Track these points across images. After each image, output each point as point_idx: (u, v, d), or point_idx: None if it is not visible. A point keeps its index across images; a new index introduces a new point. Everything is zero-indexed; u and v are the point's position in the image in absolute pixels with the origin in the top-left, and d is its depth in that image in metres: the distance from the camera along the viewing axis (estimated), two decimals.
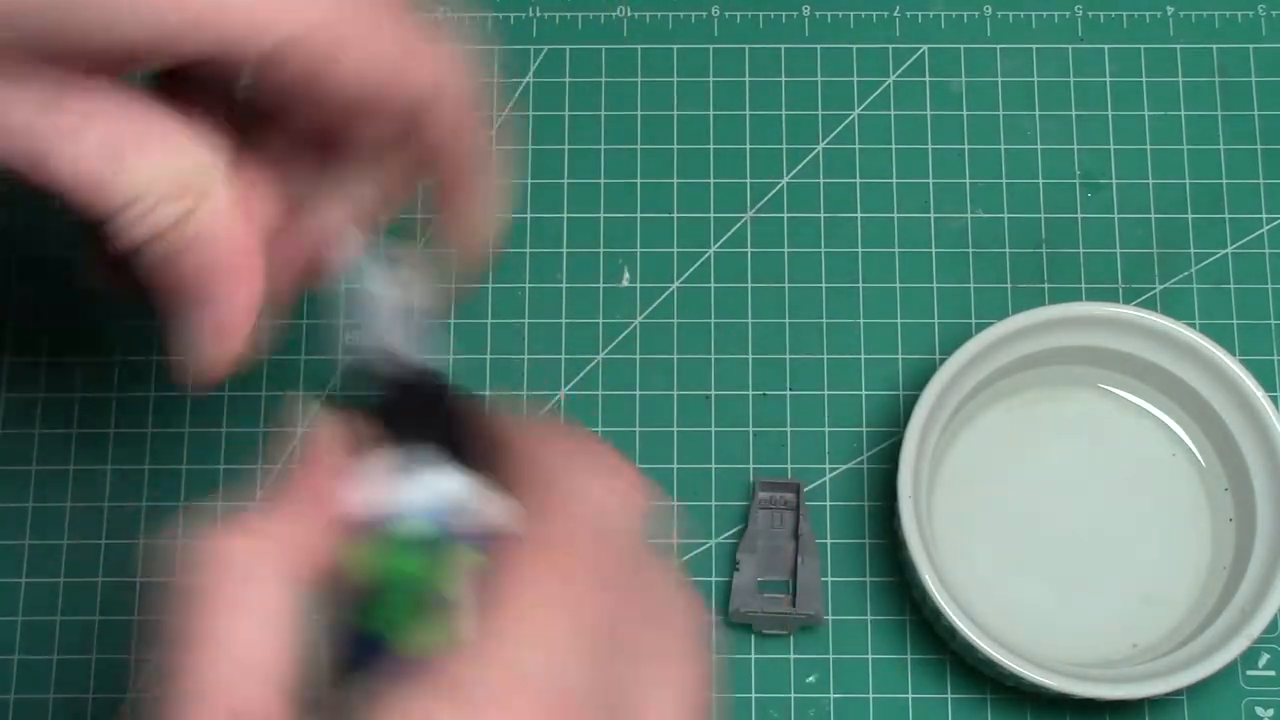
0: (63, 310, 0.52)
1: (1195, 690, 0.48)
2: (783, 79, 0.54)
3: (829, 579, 0.49)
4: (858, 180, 0.53)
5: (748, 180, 0.53)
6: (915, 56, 0.54)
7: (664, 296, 0.52)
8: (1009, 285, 0.52)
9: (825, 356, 0.51)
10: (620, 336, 0.52)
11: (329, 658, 0.28)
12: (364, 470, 0.30)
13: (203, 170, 0.30)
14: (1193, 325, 0.49)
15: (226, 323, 0.32)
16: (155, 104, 0.31)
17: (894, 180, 0.53)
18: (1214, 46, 0.54)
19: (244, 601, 0.27)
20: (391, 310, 0.32)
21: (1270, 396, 0.47)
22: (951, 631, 0.45)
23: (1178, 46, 0.54)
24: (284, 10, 0.29)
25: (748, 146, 0.53)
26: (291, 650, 0.27)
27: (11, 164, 0.30)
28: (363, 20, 0.30)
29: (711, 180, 0.53)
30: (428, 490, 0.29)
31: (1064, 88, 0.54)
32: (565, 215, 0.53)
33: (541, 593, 0.27)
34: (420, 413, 0.31)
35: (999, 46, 0.55)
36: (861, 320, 0.52)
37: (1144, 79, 0.54)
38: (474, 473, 0.30)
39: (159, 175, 0.30)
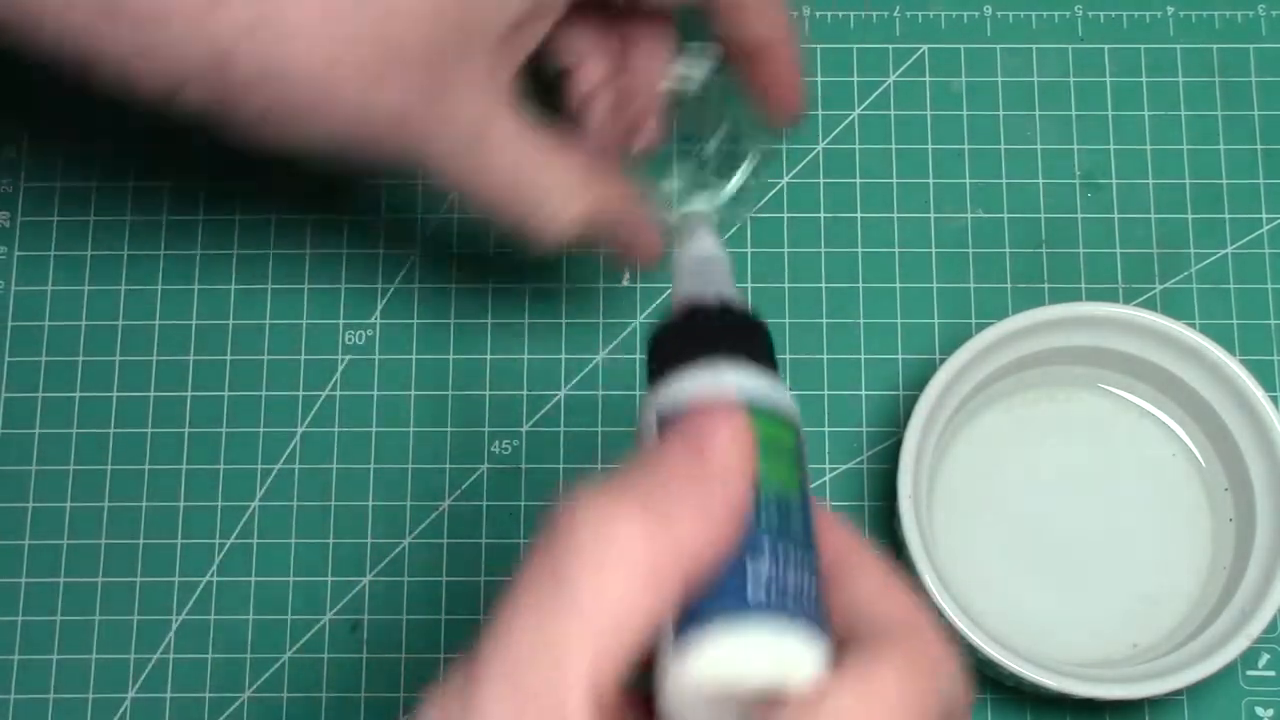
0: (63, 309, 0.52)
1: (1195, 690, 0.48)
2: None
3: None
4: (858, 180, 0.53)
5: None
6: (915, 56, 0.54)
7: (664, 296, 0.52)
8: (1009, 285, 0.52)
9: (825, 356, 0.51)
10: (620, 337, 0.52)
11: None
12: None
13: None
14: (1193, 325, 0.48)
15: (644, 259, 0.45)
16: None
17: (894, 180, 0.53)
18: (1214, 46, 0.54)
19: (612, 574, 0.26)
20: (723, 265, 0.35)
21: (1270, 396, 0.47)
22: (951, 631, 0.45)
23: (1178, 46, 0.54)
24: None
25: None
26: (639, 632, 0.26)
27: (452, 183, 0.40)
28: None
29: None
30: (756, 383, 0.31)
31: (1064, 88, 0.54)
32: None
33: (894, 699, 0.27)
34: (747, 337, 0.33)
35: (999, 46, 0.55)
36: (861, 320, 0.52)
37: (1144, 79, 0.54)
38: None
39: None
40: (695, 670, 0.27)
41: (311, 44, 0.35)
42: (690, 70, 0.46)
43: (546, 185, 0.41)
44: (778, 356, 0.51)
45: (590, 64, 0.45)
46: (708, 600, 0.28)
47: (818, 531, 0.30)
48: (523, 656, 0.25)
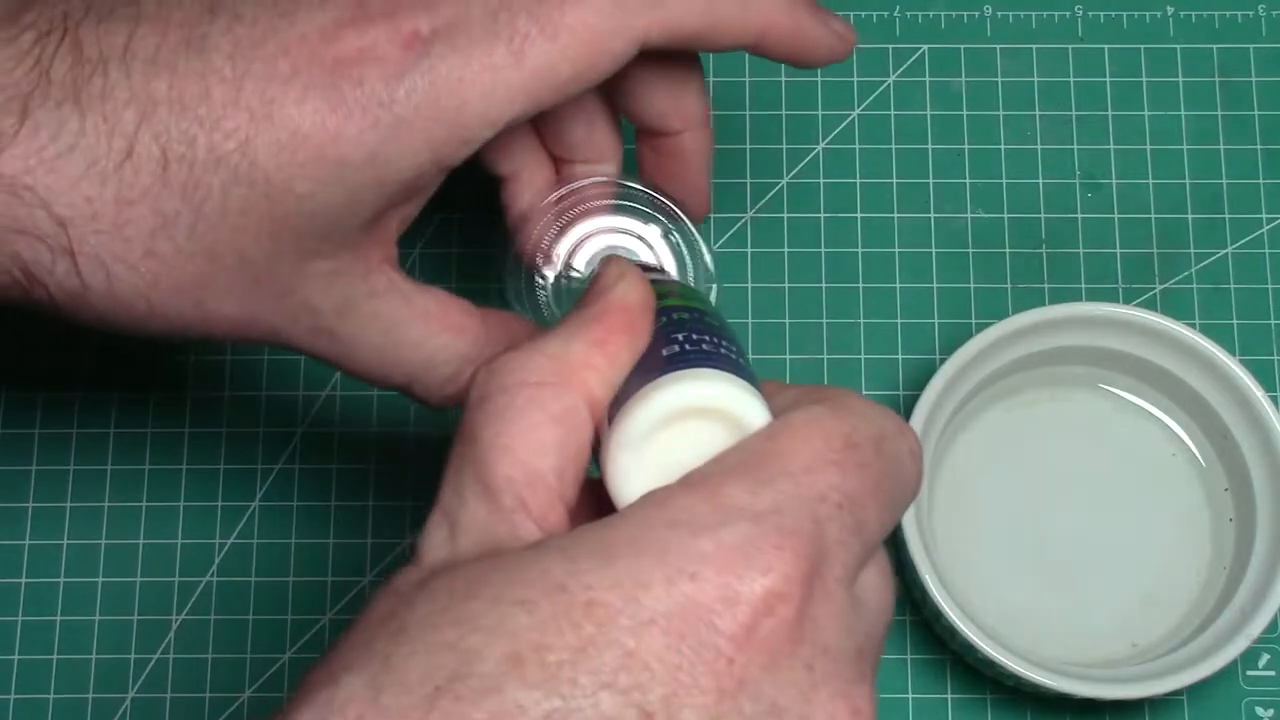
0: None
1: (1195, 690, 0.48)
2: (783, 79, 0.54)
3: None
4: (858, 180, 0.53)
5: (748, 180, 0.53)
6: (915, 56, 0.54)
7: None
8: (1009, 285, 0.52)
9: (825, 356, 0.51)
10: None
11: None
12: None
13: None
14: (1193, 325, 0.49)
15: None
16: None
17: (894, 180, 0.53)
18: (1214, 46, 0.54)
19: (540, 404, 0.30)
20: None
21: (1270, 396, 0.47)
22: (951, 631, 0.45)
23: (1178, 46, 0.54)
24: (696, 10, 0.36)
25: (748, 146, 0.53)
26: (574, 457, 0.30)
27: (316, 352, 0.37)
28: None
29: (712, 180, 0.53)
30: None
31: (1064, 88, 0.54)
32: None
33: (818, 445, 0.30)
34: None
35: (999, 46, 0.55)
36: (861, 320, 0.52)
37: (1144, 79, 0.54)
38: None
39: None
40: (633, 418, 0.30)
41: (119, 270, 0.34)
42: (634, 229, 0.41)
43: (428, 353, 0.38)
44: (778, 356, 0.51)
45: (527, 174, 0.41)
46: (635, 380, 0.31)
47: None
48: (449, 500, 0.30)
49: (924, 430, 0.46)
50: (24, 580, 0.50)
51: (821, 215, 0.53)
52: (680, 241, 0.41)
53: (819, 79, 0.54)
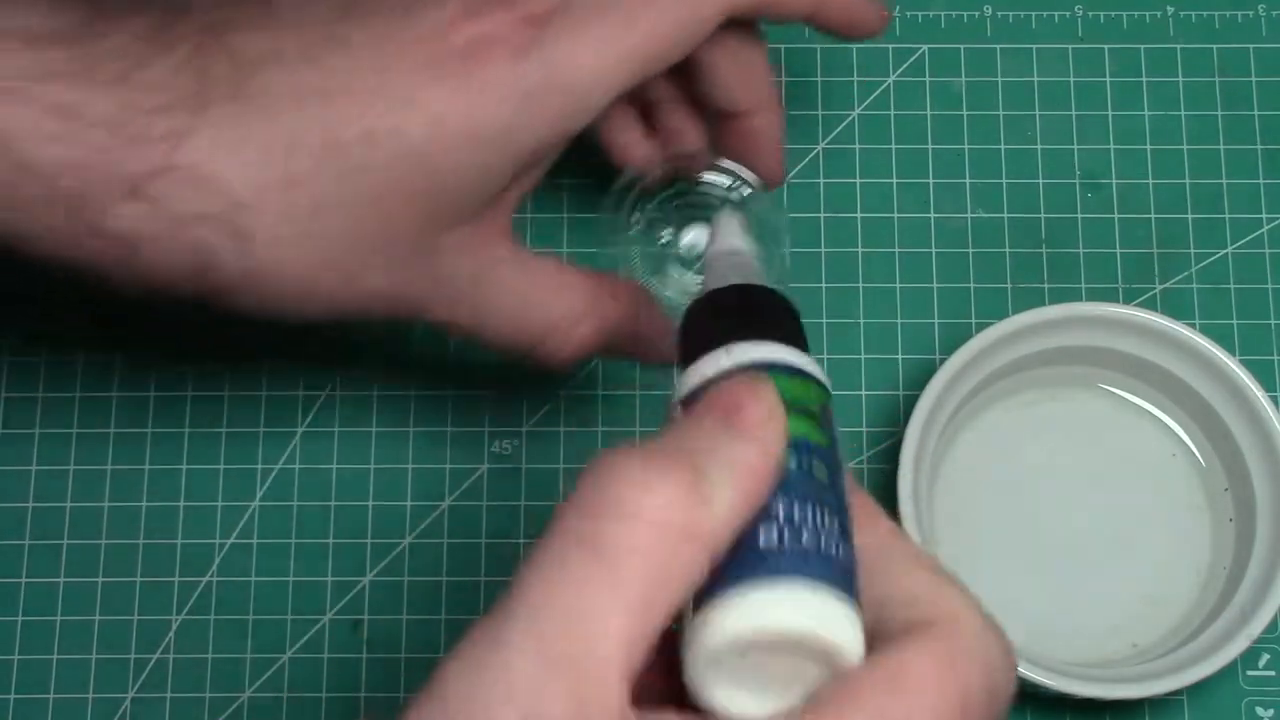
0: (64, 309, 0.52)
1: (1195, 690, 0.48)
2: (783, 79, 0.54)
3: None
4: (858, 180, 0.53)
5: None
6: (915, 56, 0.54)
7: None
8: (1009, 285, 0.52)
9: (825, 356, 0.51)
10: None
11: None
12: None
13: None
14: (1193, 325, 0.48)
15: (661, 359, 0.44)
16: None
17: (894, 180, 0.53)
18: (1214, 47, 0.54)
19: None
20: (744, 257, 0.38)
21: (1270, 396, 0.47)
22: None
23: (1178, 46, 0.54)
24: None
25: None
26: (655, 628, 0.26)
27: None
28: None
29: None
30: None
31: (1064, 88, 0.54)
32: (565, 215, 0.53)
33: (932, 693, 0.27)
34: (763, 314, 0.34)
35: (999, 46, 0.55)
36: (861, 320, 0.52)
37: (1144, 79, 0.54)
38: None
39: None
40: (719, 634, 0.27)
41: (285, 250, 0.37)
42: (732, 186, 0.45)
43: (551, 315, 0.41)
44: None
45: (631, 150, 0.45)
46: (732, 562, 0.27)
47: (853, 516, 0.30)
48: (555, 628, 0.25)
49: (924, 430, 0.46)
50: (24, 580, 0.50)
51: (821, 215, 0.53)
52: (761, 211, 0.44)
53: (819, 79, 0.54)
